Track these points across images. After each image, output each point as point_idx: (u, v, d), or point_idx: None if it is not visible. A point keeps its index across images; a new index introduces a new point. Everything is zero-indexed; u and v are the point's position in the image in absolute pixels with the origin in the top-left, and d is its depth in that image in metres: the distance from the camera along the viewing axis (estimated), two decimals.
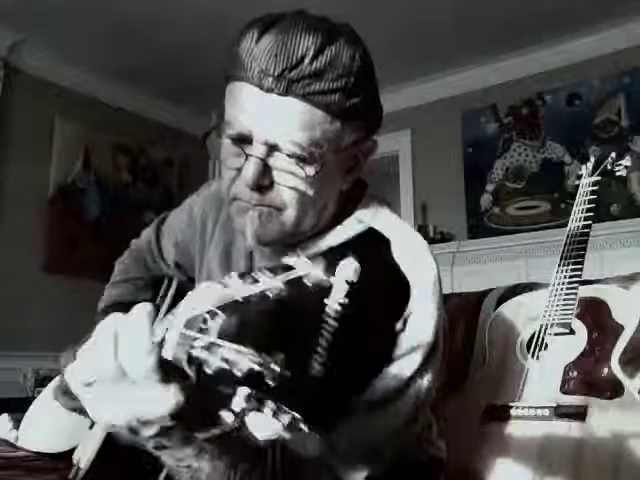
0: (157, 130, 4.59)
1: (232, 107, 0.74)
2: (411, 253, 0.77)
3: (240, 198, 0.76)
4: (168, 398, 0.50)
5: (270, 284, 0.40)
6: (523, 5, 3.44)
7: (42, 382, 3.34)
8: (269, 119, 0.71)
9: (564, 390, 1.15)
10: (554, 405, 1.13)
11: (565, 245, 1.32)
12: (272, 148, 0.72)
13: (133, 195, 4.50)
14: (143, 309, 0.53)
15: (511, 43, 3.84)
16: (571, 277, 1.27)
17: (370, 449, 0.72)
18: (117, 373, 0.52)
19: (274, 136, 0.71)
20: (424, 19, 3.60)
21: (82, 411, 0.92)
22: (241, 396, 0.40)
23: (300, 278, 0.39)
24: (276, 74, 0.69)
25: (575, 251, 1.30)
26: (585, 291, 1.26)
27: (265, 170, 0.73)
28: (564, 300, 1.25)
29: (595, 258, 3.07)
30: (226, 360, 0.40)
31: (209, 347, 0.41)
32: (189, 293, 0.48)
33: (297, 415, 0.38)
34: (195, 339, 0.43)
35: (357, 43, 0.74)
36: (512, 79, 4.04)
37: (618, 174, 1.39)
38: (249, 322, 0.40)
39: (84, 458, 0.85)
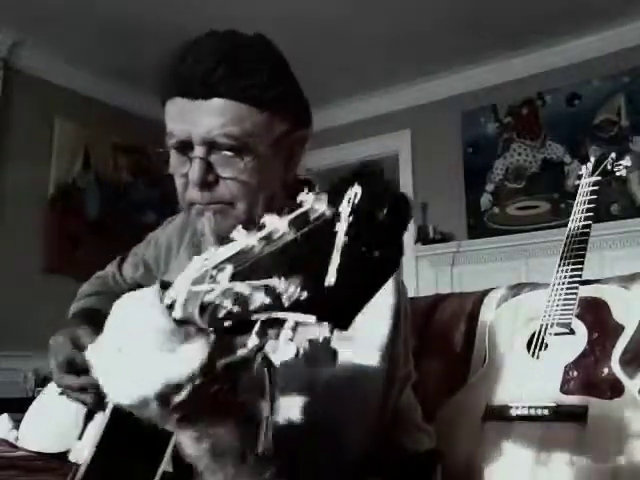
0: (157, 130, 4.59)
1: (170, 121, 0.85)
2: None
3: (194, 201, 0.85)
4: (195, 353, 0.49)
5: (275, 225, 0.41)
6: (523, 5, 3.44)
7: (42, 382, 3.34)
8: (202, 120, 0.80)
9: (564, 390, 1.15)
10: (554, 405, 1.13)
11: (565, 245, 1.32)
12: (211, 146, 0.81)
13: (133, 195, 4.50)
14: (151, 287, 0.54)
15: (511, 43, 3.84)
16: (571, 277, 1.27)
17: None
18: (138, 343, 0.50)
19: (210, 134, 0.80)
20: (424, 19, 3.59)
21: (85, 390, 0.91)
22: (256, 331, 0.42)
23: (305, 213, 0.41)
24: (199, 82, 0.80)
25: (575, 251, 1.30)
26: (585, 291, 1.26)
27: (208, 168, 0.82)
28: (564, 300, 1.25)
29: (595, 258, 3.07)
30: (240, 296, 0.41)
31: (223, 293, 0.42)
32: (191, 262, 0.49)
33: (311, 320, 0.39)
34: (205, 293, 0.44)
35: (266, 44, 0.86)
36: (512, 79, 4.04)
37: (618, 174, 1.39)
38: (258, 264, 0.41)
39: (83, 456, 0.85)
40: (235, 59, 0.81)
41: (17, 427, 1.30)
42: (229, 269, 0.43)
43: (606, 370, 1.14)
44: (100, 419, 0.86)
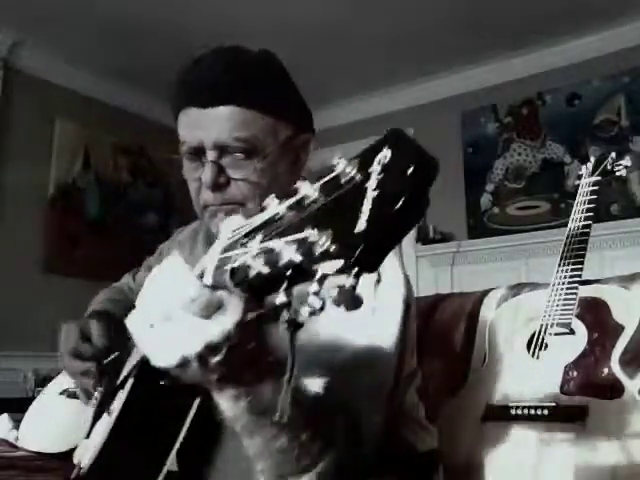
0: (157, 130, 4.59)
1: (183, 130, 0.91)
2: None
3: (208, 203, 0.90)
4: (230, 314, 0.51)
5: (307, 191, 0.43)
6: (523, 5, 3.44)
7: (42, 382, 3.34)
8: (212, 126, 0.86)
9: (564, 390, 1.15)
10: (554, 405, 1.13)
11: (565, 245, 1.32)
12: (222, 150, 0.87)
13: (133, 195, 4.50)
14: (175, 256, 0.56)
15: (511, 43, 3.84)
16: (571, 277, 1.27)
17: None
18: (174, 311, 0.52)
19: (220, 138, 0.86)
20: (424, 19, 3.59)
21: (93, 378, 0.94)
22: (284, 289, 0.44)
23: (335, 177, 0.42)
24: (207, 91, 0.86)
25: (575, 251, 1.30)
26: (585, 291, 1.26)
27: (220, 170, 0.87)
28: (564, 300, 1.25)
29: (595, 258, 3.07)
30: (270, 256, 0.42)
31: (254, 255, 0.44)
32: (223, 224, 0.52)
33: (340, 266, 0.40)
34: (236, 258, 0.46)
35: (269, 58, 0.92)
36: (512, 79, 4.04)
37: (618, 174, 1.39)
38: (288, 231, 0.43)
39: (86, 457, 0.85)
40: (240, 70, 0.88)
41: (17, 427, 1.30)
42: (259, 236, 0.44)
43: (606, 370, 1.14)
44: (107, 418, 0.86)
